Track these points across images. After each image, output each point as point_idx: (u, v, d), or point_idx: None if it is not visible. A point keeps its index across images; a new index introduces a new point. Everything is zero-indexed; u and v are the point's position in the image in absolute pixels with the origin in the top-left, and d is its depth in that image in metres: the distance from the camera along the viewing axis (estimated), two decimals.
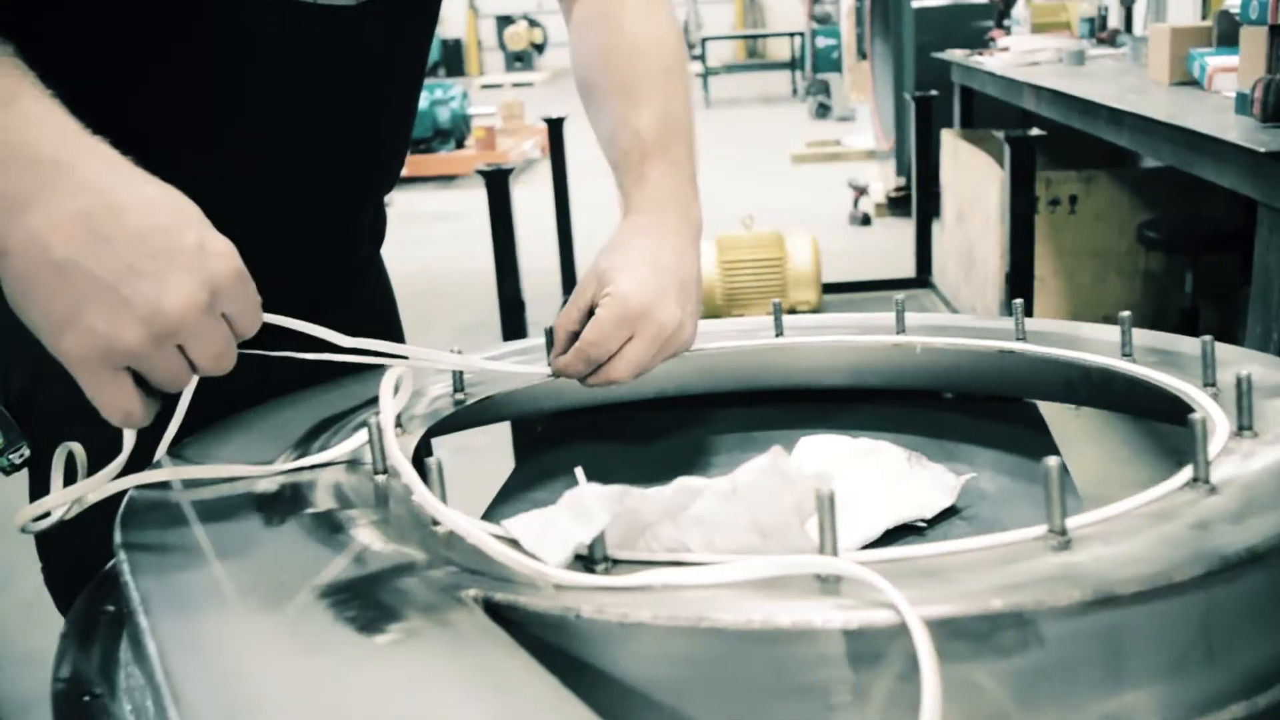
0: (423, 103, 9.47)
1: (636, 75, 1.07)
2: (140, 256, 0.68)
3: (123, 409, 0.71)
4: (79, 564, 1.02)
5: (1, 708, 2.49)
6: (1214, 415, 0.81)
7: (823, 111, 11.68)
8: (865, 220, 6.78)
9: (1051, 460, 0.59)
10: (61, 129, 0.71)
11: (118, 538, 0.73)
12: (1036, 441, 1.09)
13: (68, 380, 0.99)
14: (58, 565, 1.07)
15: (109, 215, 0.68)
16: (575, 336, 0.98)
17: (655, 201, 1.03)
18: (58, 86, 0.77)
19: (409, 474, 0.69)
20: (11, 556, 1.13)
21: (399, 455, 0.73)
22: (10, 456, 1.02)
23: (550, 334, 1.02)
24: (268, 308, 1.03)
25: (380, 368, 0.87)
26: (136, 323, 0.68)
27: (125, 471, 0.83)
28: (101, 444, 1.01)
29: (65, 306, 0.67)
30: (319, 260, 1.09)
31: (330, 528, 0.70)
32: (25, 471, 1.05)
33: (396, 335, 1.22)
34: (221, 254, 0.72)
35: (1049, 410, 1.16)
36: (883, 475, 0.99)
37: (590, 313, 0.98)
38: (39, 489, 1.05)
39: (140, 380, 0.71)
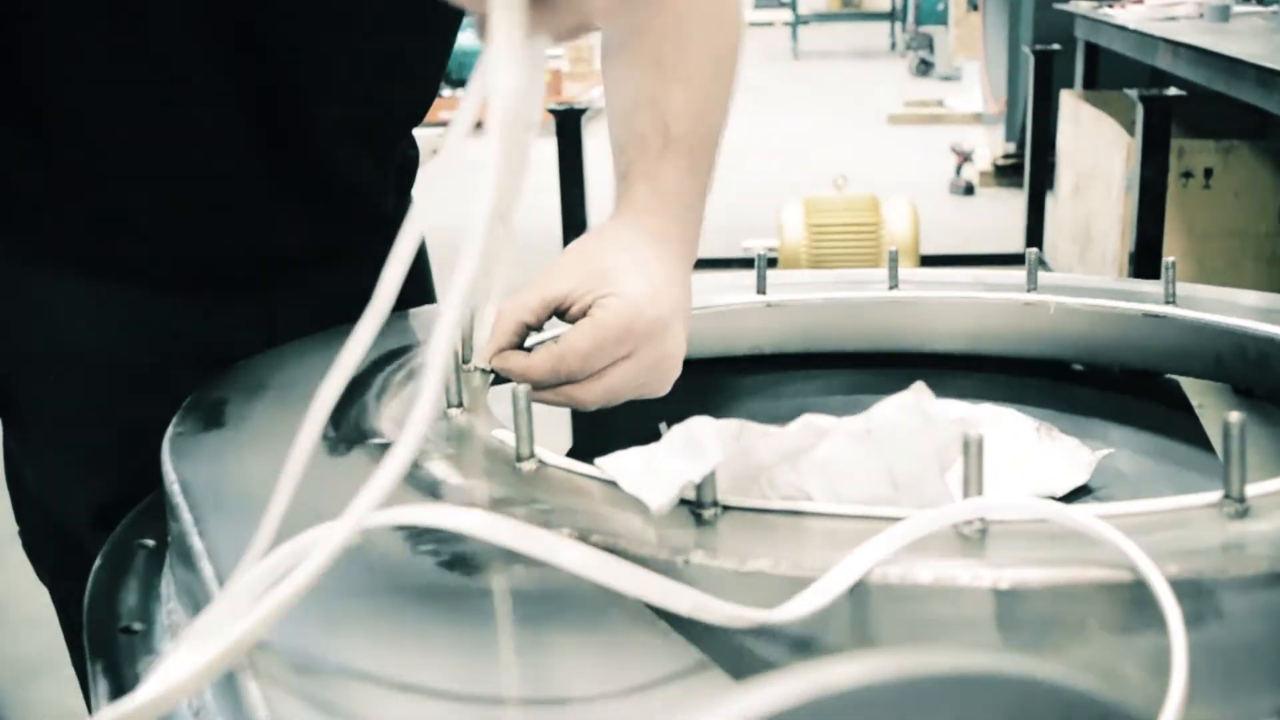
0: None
1: (681, 51, 0.96)
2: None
3: None
4: (57, 528, 1.03)
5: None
6: None
7: (924, 69, 11.57)
8: (968, 189, 6.71)
9: (1233, 416, 0.56)
10: None
11: (167, 465, 0.73)
12: (1179, 421, 1.06)
13: (45, 380, 1.00)
14: (37, 530, 1.08)
15: None
16: (525, 331, 0.87)
17: (665, 207, 0.93)
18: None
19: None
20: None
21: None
22: None
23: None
24: (283, 254, 1.03)
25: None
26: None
27: (133, 468, 0.83)
28: (76, 447, 1.02)
29: None
30: (336, 206, 1.06)
31: None
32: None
33: (426, 290, 1.20)
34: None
35: None
36: (1009, 446, 0.97)
37: (556, 313, 0.87)
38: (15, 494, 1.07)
39: None
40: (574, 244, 0.91)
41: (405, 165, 1.15)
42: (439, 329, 0.44)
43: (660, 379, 0.87)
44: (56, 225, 0.98)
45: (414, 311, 1.05)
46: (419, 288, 1.21)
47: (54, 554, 1.07)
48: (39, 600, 1.09)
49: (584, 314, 0.84)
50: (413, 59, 1.06)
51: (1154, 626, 0.50)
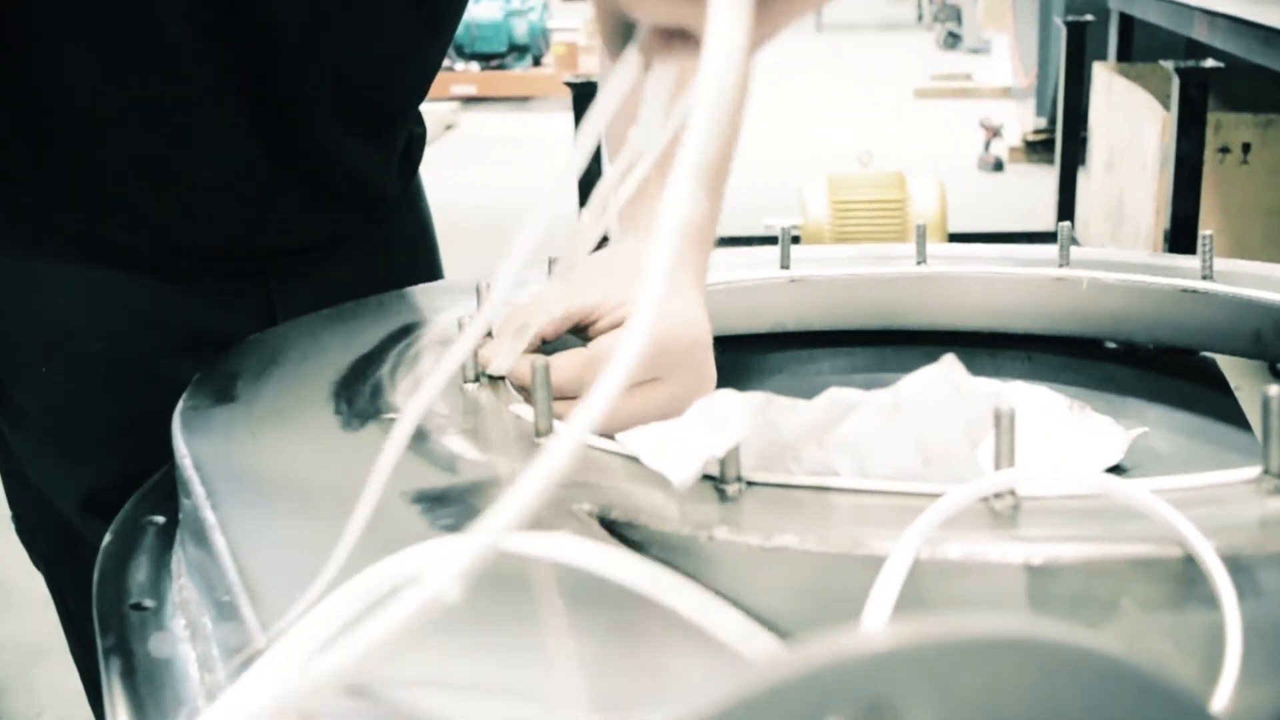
0: (497, 13, 9.48)
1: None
2: None
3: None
4: (53, 514, 1.03)
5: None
6: None
7: (952, 41, 11.55)
8: (998, 165, 6.70)
9: (1273, 389, 0.56)
10: None
11: (179, 439, 0.73)
12: (1215, 399, 1.06)
13: (39, 365, 1.00)
14: (33, 516, 1.08)
15: None
16: (539, 343, 0.82)
17: (687, 230, 0.89)
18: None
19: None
20: None
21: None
22: None
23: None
24: (283, 241, 1.03)
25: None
26: None
27: (129, 455, 0.85)
28: (68, 442, 1.02)
29: None
30: (338, 192, 1.06)
31: (415, 434, 0.70)
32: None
33: (430, 274, 1.20)
34: None
35: None
36: (1041, 424, 0.96)
37: (575, 329, 0.84)
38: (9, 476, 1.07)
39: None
40: (593, 257, 0.87)
41: (410, 146, 1.14)
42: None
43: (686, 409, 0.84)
44: (52, 211, 0.98)
45: (420, 289, 1.05)
46: (426, 266, 1.21)
47: (50, 540, 1.07)
48: (43, 582, 1.10)
49: (614, 328, 0.82)
50: (418, 42, 1.06)
51: (1191, 602, 0.50)
